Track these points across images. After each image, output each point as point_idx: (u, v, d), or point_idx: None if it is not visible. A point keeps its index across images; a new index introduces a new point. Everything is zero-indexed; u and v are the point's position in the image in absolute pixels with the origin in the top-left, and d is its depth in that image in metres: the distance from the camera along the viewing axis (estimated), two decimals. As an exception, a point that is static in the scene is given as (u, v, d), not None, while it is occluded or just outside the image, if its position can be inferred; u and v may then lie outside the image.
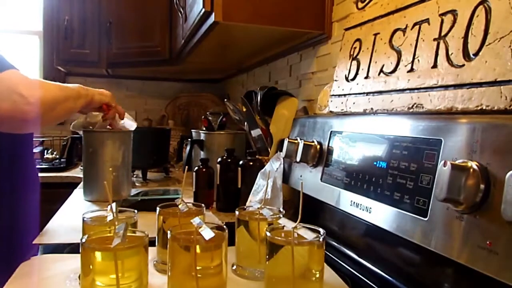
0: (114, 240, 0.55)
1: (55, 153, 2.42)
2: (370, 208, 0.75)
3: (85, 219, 0.72)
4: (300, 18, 1.26)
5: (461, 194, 0.53)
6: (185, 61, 2.03)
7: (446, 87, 0.68)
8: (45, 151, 2.43)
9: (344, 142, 0.90)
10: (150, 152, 1.74)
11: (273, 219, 0.73)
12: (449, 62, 0.68)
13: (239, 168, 1.18)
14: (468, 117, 0.59)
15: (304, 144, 1.01)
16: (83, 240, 0.57)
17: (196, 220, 0.57)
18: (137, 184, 1.68)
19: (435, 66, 0.71)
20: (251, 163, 1.18)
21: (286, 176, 1.15)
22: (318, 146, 0.99)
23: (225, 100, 1.61)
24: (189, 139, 1.57)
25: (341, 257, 0.84)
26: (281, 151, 1.12)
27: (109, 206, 0.65)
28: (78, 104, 0.99)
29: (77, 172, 2.13)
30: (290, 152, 1.07)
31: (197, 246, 0.56)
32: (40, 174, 1.18)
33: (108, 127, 1.26)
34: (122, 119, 1.23)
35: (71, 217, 1.10)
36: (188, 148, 1.53)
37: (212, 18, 1.22)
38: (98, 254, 0.57)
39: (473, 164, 0.54)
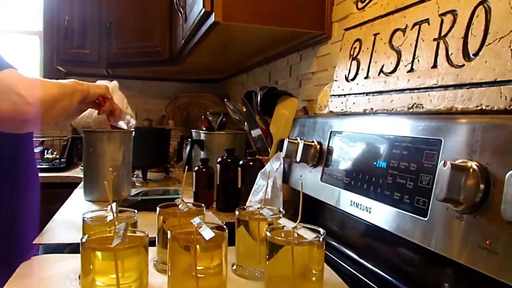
0: (114, 240, 0.55)
1: (55, 153, 2.42)
2: (370, 208, 0.75)
3: (85, 219, 0.72)
4: (300, 18, 1.26)
5: (461, 194, 0.53)
6: (185, 61, 2.03)
7: (446, 87, 0.68)
8: (45, 151, 2.44)
9: (344, 142, 0.90)
10: (150, 152, 1.74)
11: (273, 219, 0.73)
12: (449, 62, 0.68)
13: (239, 168, 1.18)
14: (468, 117, 0.59)
15: (304, 144, 1.01)
16: (83, 240, 0.57)
17: (196, 220, 0.57)
18: (137, 184, 1.68)
19: (435, 66, 0.71)
20: (251, 163, 1.18)
21: (286, 176, 1.15)
22: (318, 146, 1.00)
23: (225, 100, 1.61)
24: (189, 139, 1.57)
25: (341, 257, 0.84)
26: (281, 151, 1.12)
27: (109, 206, 0.65)
28: (75, 100, 0.98)
29: (77, 172, 2.13)
30: (290, 152, 1.07)
31: (197, 246, 0.56)
32: (40, 174, 1.18)
33: (110, 123, 1.24)
34: (118, 116, 1.21)
35: (71, 217, 1.10)
36: (188, 148, 1.53)
37: (212, 18, 1.22)
38: (98, 254, 0.57)
39: (473, 164, 0.54)
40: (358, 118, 0.88)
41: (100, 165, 1.29)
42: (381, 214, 0.72)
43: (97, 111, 1.12)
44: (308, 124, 1.10)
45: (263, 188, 1.05)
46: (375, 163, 0.76)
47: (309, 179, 1.01)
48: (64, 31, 2.32)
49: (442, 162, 0.55)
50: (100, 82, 1.21)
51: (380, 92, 0.85)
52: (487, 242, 0.51)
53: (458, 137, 0.58)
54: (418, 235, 0.63)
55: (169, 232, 0.58)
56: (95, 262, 0.57)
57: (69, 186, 1.66)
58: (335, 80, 1.04)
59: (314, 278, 0.60)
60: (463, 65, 0.65)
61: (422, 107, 0.72)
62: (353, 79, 0.96)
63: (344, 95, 0.98)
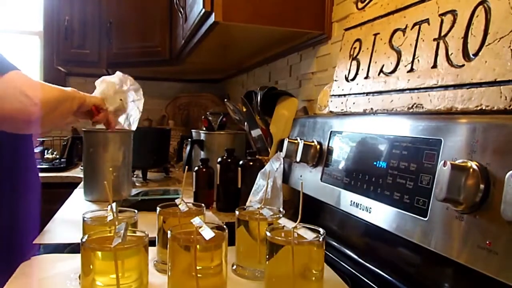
0: (114, 240, 0.55)
1: (55, 153, 2.42)
2: (370, 208, 0.75)
3: (85, 219, 0.72)
4: (300, 18, 1.26)
5: (461, 194, 0.53)
6: (185, 61, 2.03)
7: (446, 87, 0.68)
8: (45, 151, 2.44)
9: (344, 142, 0.90)
10: (150, 152, 1.74)
11: (273, 219, 0.73)
12: (449, 62, 0.68)
13: (239, 168, 1.18)
14: (468, 117, 0.59)
15: (304, 144, 1.01)
16: (83, 240, 0.57)
17: (196, 220, 0.57)
18: (137, 184, 1.69)
19: (435, 66, 0.71)
20: (251, 163, 1.18)
21: (286, 176, 1.15)
22: (318, 146, 1.00)
23: (225, 100, 1.61)
24: (189, 139, 1.57)
25: (341, 257, 0.84)
26: (281, 151, 1.12)
27: (109, 206, 0.65)
28: (74, 106, 1.01)
29: (77, 172, 2.13)
30: (290, 152, 1.07)
31: (197, 246, 0.56)
32: (40, 174, 1.18)
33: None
34: (112, 129, 1.21)
35: (71, 217, 1.10)
36: (188, 148, 1.53)
37: (212, 18, 1.22)
38: (98, 254, 0.57)
39: (473, 164, 0.54)
40: (358, 118, 0.88)
41: (100, 165, 1.29)
42: (381, 214, 0.72)
43: (91, 121, 1.14)
44: (308, 124, 1.10)
45: (263, 188, 1.05)
46: (375, 163, 0.76)
47: (309, 179, 1.01)
48: (64, 31, 2.32)
49: (442, 162, 0.55)
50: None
51: (380, 92, 0.85)
52: (487, 242, 0.51)
53: (458, 137, 0.58)
54: (418, 235, 0.63)
55: (169, 232, 0.58)
56: (95, 262, 0.57)
57: (69, 186, 1.67)
58: (335, 80, 1.04)
59: (314, 278, 0.60)
60: (463, 65, 0.65)
61: (422, 107, 0.72)
62: (353, 79, 0.96)
63: (344, 95, 0.98)
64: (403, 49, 0.81)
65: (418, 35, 0.77)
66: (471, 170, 0.53)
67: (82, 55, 2.36)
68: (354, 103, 0.93)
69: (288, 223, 0.68)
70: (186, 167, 0.89)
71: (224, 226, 0.61)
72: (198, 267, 0.55)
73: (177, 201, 0.75)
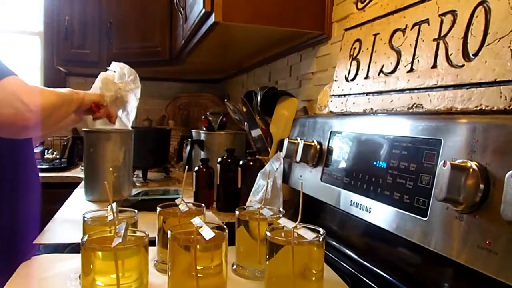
0: (115, 240, 0.55)
1: (55, 153, 2.42)
2: (370, 208, 0.75)
3: (85, 219, 0.72)
4: (300, 18, 1.26)
5: (461, 194, 0.53)
6: (185, 61, 2.03)
7: (445, 87, 0.68)
8: (46, 151, 2.44)
9: (344, 142, 0.90)
10: (151, 152, 1.74)
11: (273, 219, 0.73)
12: (449, 62, 0.68)
13: (239, 168, 1.18)
14: (468, 117, 0.59)
15: (304, 144, 1.01)
16: (84, 240, 0.57)
17: (196, 220, 0.57)
18: (137, 184, 1.69)
19: (434, 66, 0.71)
20: (251, 163, 1.18)
21: (286, 176, 1.15)
22: (318, 146, 1.00)
23: (225, 100, 1.61)
24: (189, 139, 1.57)
25: (341, 257, 0.84)
26: (281, 151, 1.12)
27: (109, 206, 0.65)
28: (72, 108, 1.03)
29: (77, 172, 2.13)
30: (290, 152, 1.07)
31: (197, 246, 0.56)
32: (40, 174, 1.18)
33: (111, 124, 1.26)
34: (114, 122, 1.23)
35: (72, 217, 1.10)
36: (188, 148, 1.53)
37: (212, 19, 1.22)
38: (98, 254, 0.57)
39: (473, 164, 0.54)
40: (358, 118, 0.88)
41: (100, 165, 1.29)
42: (381, 214, 0.72)
43: (91, 117, 1.15)
44: (308, 124, 1.10)
45: (263, 188, 1.05)
46: (375, 163, 0.76)
47: (309, 179, 1.01)
48: (64, 31, 2.32)
49: (442, 162, 0.55)
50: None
51: (380, 92, 0.85)
52: (487, 242, 0.51)
53: (458, 137, 0.58)
54: (418, 235, 0.63)
55: (169, 232, 0.58)
56: (95, 262, 0.57)
57: (70, 186, 1.67)
58: (335, 80, 1.04)
59: (314, 278, 0.60)
60: (463, 65, 0.65)
61: (422, 107, 0.72)
62: (353, 79, 0.96)
63: (344, 95, 0.98)
64: (403, 49, 0.81)
65: (418, 35, 0.78)
66: (471, 170, 0.53)
67: (82, 55, 2.36)
68: (354, 103, 0.93)
69: (288, 223, 0.68)
70: (186, 167, 0.89)
71: (224, 226, 0.61)
72: (198, 267, 0.56)
73: (177, 201, 0.75)
